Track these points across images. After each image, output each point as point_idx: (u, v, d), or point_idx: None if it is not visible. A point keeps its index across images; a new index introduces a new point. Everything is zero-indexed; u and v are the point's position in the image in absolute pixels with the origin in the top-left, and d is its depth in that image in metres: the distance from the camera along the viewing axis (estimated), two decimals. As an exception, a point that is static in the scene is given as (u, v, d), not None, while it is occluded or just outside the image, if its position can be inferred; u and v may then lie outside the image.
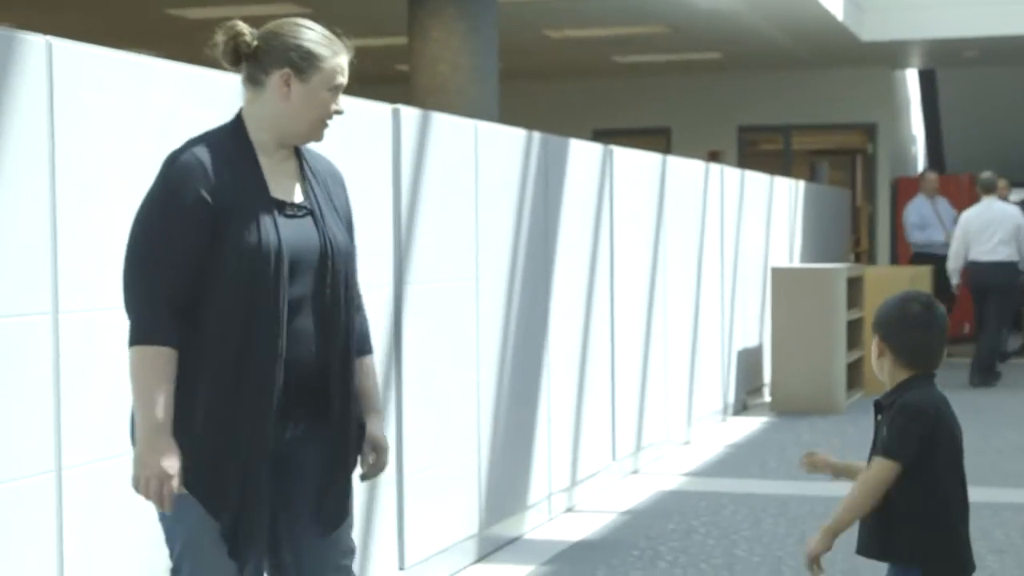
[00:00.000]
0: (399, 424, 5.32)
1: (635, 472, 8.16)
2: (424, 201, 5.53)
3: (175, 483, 3.00)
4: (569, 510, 7.08)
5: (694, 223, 9.56)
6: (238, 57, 3.19)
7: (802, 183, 13.37)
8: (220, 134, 3.18)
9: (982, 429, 9.64)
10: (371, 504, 5.11)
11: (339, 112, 3.23)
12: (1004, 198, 13.52)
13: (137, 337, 3.02)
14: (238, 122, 3.21)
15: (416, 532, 5.44)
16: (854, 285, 11.54)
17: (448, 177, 5.74)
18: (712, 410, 9.96)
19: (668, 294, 8.87)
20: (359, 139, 5.05)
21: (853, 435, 9.36)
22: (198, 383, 3.05)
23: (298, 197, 3.23)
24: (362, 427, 3.31)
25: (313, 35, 3.19)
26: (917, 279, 12.22)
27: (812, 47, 15.36)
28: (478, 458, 6.01)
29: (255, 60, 3.18)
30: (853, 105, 17.32)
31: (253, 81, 3.20)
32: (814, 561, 3.37)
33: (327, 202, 3.27)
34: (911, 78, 19.39)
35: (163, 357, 3.01)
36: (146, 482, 3.00)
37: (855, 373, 11.56)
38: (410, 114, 5.43)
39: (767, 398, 11.51)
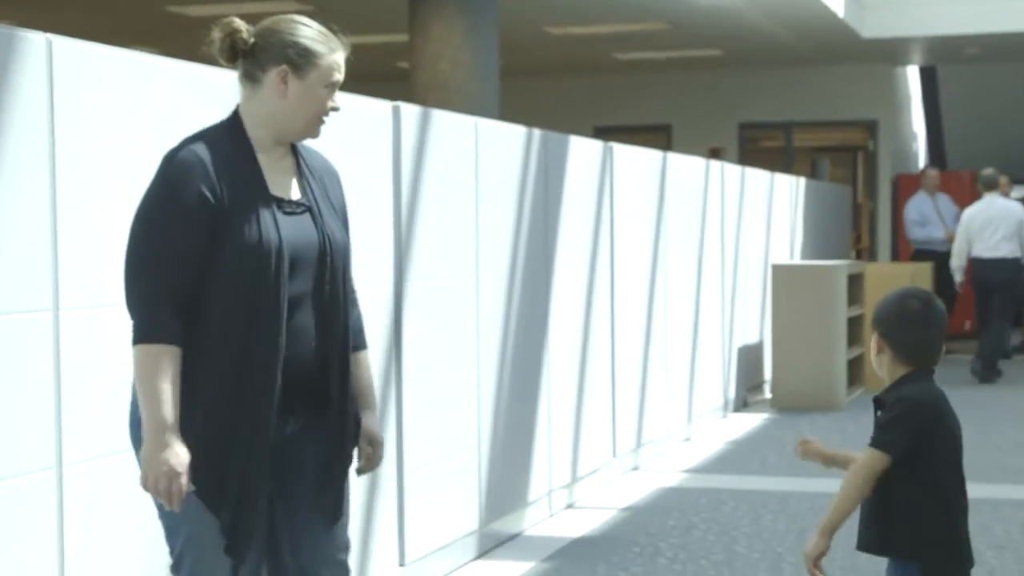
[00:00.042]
0: (399, 421, 5.33)
1: (635, 469, 8.16)
2: (424, 198, 5.54)
3: (184, 481, 3.01)
4: (569, 506, 7.09)
5: (694, 220, 9.56)
6: (235, 54, 3.19)
7: (803, 180, 13.38)
8: (218, 131, 3.18)
9: (982, 425, 9.64)
10: (371, 500, 5.12)
11: (335, 109, 3.24)
12: (1006, 195, 13.53)
13: (140, 336, 3.02)
14: (235, 119, 3.21)
15: (416, 528, 5.45)
16: (855, 282, 11.54)
17: (448, 174, 5.75)
18: (712, 407, 9.97)
19: (668, 291, 8.88)
20: (359, 136, 5.06)
21: (854, 432, 9.37)
22: (199, 382, 3.06)
23: (296, 194, 3.24)
24: (358, 422, 3.32)
25: (310, 32, 3.19)
26: (918, 276, 12.23)
27: (813, 44, 15.35)
28: (478, 455, 6.02)
29: (252, 57, 3.18)
30: (854, 102, 17.31)
31: (250, 78, 3.20)
32: (814, 563, 3.38)
33: (324, 198, 3.28)
34: (912, 75, 19.38)
35: (167, 355, 3.01)
36: (155, 481, 3.00)
37: (856, 370, 11.56)
38: (410, 111, 5.43)
39: (768, 395, 11.51)
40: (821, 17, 13.53)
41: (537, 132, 6.71)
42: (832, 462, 3.61)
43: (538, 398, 6.67)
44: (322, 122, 3.24)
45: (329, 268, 3.22)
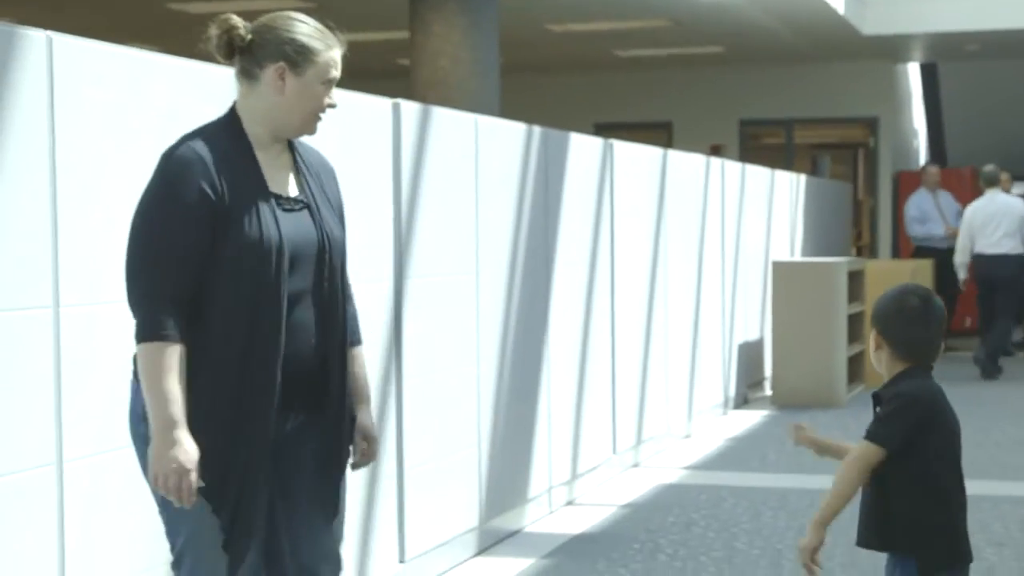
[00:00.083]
0: (399, 418, 5.34)
1: (635, 465, 8.17)
2: (424, 195, 5.54)
3: (194, 477, 3.01)
4: (569, 503, 7.10)
5: (695, 217, 9.57)
6: (232, 51, 3.20)
7: (803, 177, 13.38)
8: (216, 129, 3.19)
9: (982, 422, 9.65)
10: (372, 497, 5.13)
11: (332, 105, 3.24)
12: (1007, 192, 13.54)
13: (144, 335, 3.02)
14: (233, 116, 3.22)
15: (416, 525, 5.45)
16: (855, 279, 11.55)
17: (448, 171, 5.76)
18: (713, 404, 9.98)
19: (669, 288, 8.89)
20: (359, 134, 5.06)
21: (854, 429, 9.37)
22: (200, 380, 3.06)
23: (293, 191, 3.24)
24: (353, 418, 3.33)
25: (307, 28, 3.20)
26: (918, 273, 12.23)
27: (814, 41, 15.36)
28: (478, 452, 6.03)
29: (249, 54, 3.19)
30: (855, 99, 17.32)
31: (247, 75, 3.21)
32: (809, 556, 3.38)
33: (321, 195, 3.29)
34: (913, 72, 19.38)
35: (172, 353, 3.01)
36: (165, 478, 3.00)
37: (856, 367, 11.57)
38: (410, 108, 5.44)
39: (768, 392, 11.52)
40: (822, 14, 13.54)
41: (537, 129, 6.71)
42: (825, 451, 3.61)
43: (538, 395, 6.67)
44: (319, 119, 3.24)
45: (328, 265, 3.23)
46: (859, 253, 17.57)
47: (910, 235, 14.51)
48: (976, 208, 12.72)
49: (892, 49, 16.26)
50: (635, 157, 8.19)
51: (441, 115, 5.69)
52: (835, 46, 15.77)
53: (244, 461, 3.09)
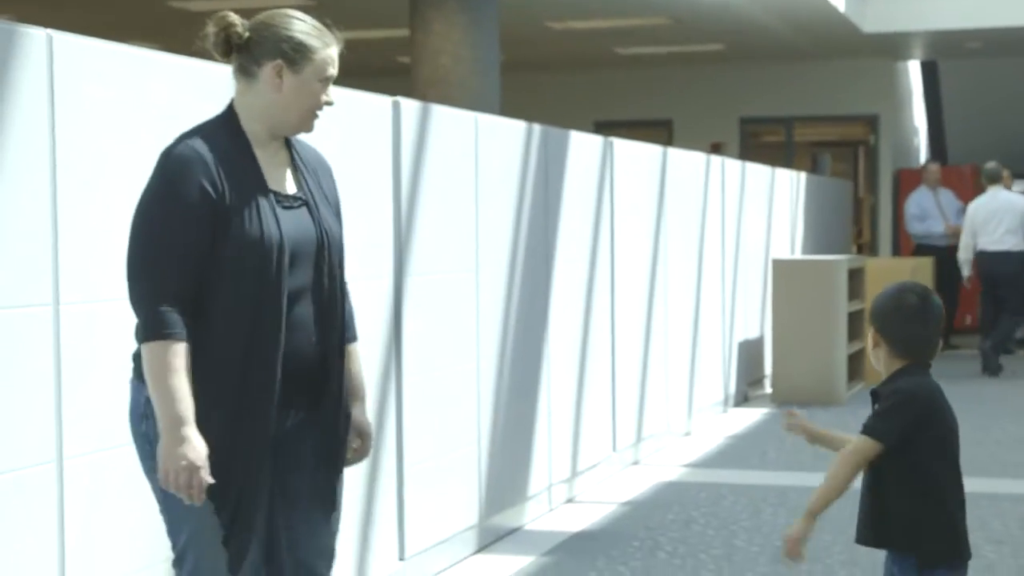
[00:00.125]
0: (399, 415, 5.35)
1: (635, 463, 8.18)
2: (424, 193, 5.55)
3: (204, 474, 3.01)
4: (569, 501, 7.11)
5: (695, 215, 9.58)
6: (229, 48, 3.20)
7: (803, 175, 13.38)
8: (214, 127, 3.19)
9: (982, 420, 9.66)
10: (371, 495, 5.14)
11: (329, 103, 3.24)
12: (1008, 189, 13.55)
13: (148, 334, 3.02)
14: (230, 113, 3.22)
15: (416, 523, 5.46)
16: (855, 277, 11.55)
17: (448, 169, 5.76)
18: (713, 401, 9.98)
19: (669, 286, 8.89)
20: (359, 132, 5.07)
21: (854, 426, 9.36)
22: (201, 380, 3.06)
23: (291, 188, 3.25)
24: (349, 414, 3.34)
25: (304, 26, 3.20)
26: (918, 270, 12.24)
27: (814, 39, 15.36)
28: (478, 449, 6.04)
29: (247, 51, 3.19)
30: (855, 97, 17.32)
31: (245, 72, 3.21)
32: (795, 545, 3.38)
33: (319, 192, 3.29)
34: (913, 69, 19.38)
35: (176, 351, 3.00)
36: (176, 475, 3.00)
37: (856, 364, 11.58)
38: (410, 106, 5.44)
39: (768, 389, 11.53)
40: (822, 12, 13.54)
41: (537, 127, 6.72)
42: (817, 440, 3.62)
43: (538, 393, 6.68)
44: (316, 116, 3.24)
45: (327, 262, 3.23)
46: (859, 251, 17.58)
47: (910, 233, 14.52)
48: (978, 205, 12.74)
49: (892, 47, 16.26)
50: (635, 155, 8.19)
51: (441, 113, 5.70)
52: (835, 44, 15.77)
53: (245, 460, 3.09)
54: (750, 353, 11.14)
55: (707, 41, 15.58)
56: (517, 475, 6.44)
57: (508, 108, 16.39)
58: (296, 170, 3.28)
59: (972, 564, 3.50)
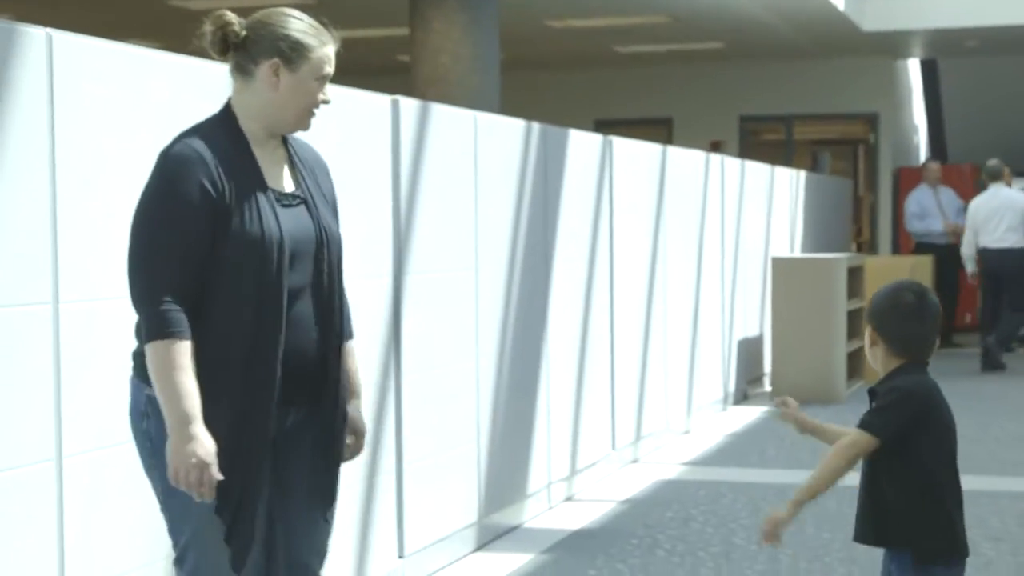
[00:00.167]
0: (398, 413, 5.35)
1: (635, 461, 8.19)
2: (423, 192, 5.56)
3: (214, 470, 3.01)
4: (568, 499, 7.12)
5: (694, 213, 9.58)
6: (226, 47, 3.21)
7: (803, 173, 13.39)
8: (212, 126, 3.19)
9: (982, 418, 9.67)
10: (370, 493, 5.15)
11: (326, 102, 3.25)
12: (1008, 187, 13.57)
13: (152, 333, 3.02)
14: (228, 112, 3.23)
15: (416, 520, 5.47)
16: (854, 275, 11.56)
17: (447, 168, 5.77)
18: (712, 399, 9.99)
19: (668, 284, 8.90)
20: (358, 130, 5.08)
21: (853, 424, 9.38)
22: (202, 379, 3.05)
23: (289, 186, 3.25)
24: (345, 411, 3.35)
25: (301, 25, 3.21)
26: (917, 269, 12.25)
27: (814, 37, 15.36)
28: (477, 447, 6.04)
29: (244, 50, 3.20)
30: (855, 95, 17.33)
31: (241, 71, 3.22)
32: (774, 527, 3.38)
33: (317, 190, 3.30)
34: (913, 68, 19.39)
35: (180, 349, 3.01)
36: (186, 473, 3.00)
37: (855, 362, 11.59)
38: (409, 105, 5.45)
39: (767, 387, 11.53)
40: (822, 10, 13.54)
41: (536, 126, 6.73)
42: (809, 430, 3.62)
43: (537, 391, 6.69)
44: (313, 115, 3.25)
45: (326, 260, 3.24)
46: (859, 249, 17.58)
47: (909, 231, 14.53)
48: (979, 203, 12.75)
49: (892, 45, 16.26)
50: (634, 153, 8.20)
51: (440, 112, 5.70)
52: (835, 42, 15.78)
53: (246, 457, 3.10)
54: (749, 351, 11.15)
55: (707, 39, 15.59)
56: (516, 473, 6.45)
57: (508, 107, 16.39)
58: (294, 168, 3.29)
59: (971, 561, 3.50)
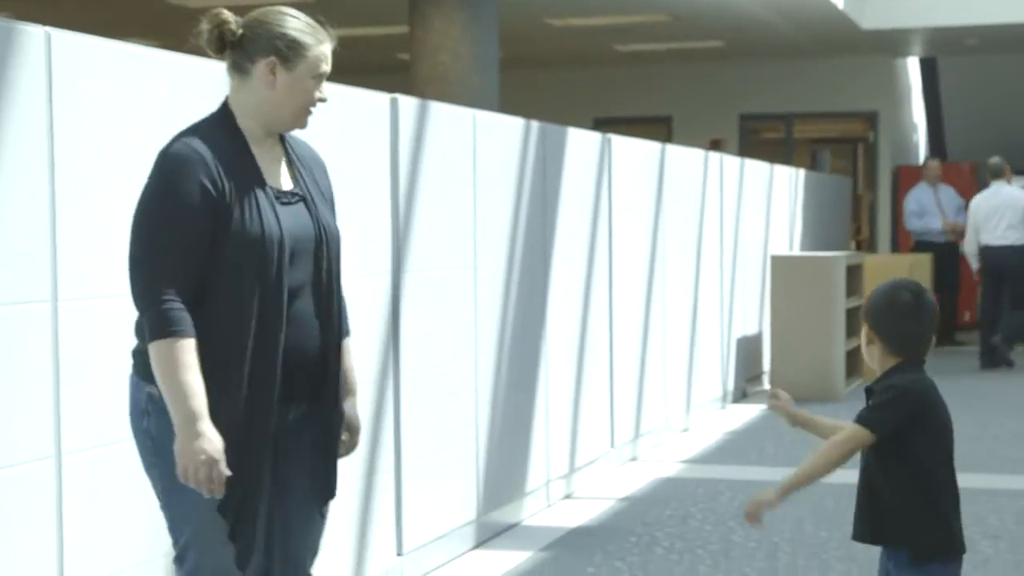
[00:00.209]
0: (397, 411, 5.36)
1: (633, 459, 8.20)
2: (422, 190, 5.56)
3: (222, 467, 3.02)
4: (567, 497, 7.12)
5: (693, 211, 9.59)
6: (223, 45, 3.21)
7: (802, 171, 13.40)
8: (210, 125, 3.20)
9: (981, 416, 9.67)
10: (369, 491, 5.15)
11: (323, 100, 3.26)
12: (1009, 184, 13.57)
13: (155, 332, 3.02)
14: (225, 111, 3.23)
15: (414, 518, 5.48)
16: (853, 273, 11.57)
17: (446, 166, 5.78)
18: (711, 398, 10.00)
19: (667, 282, 8.91)
20: (357, 128, 5.08)
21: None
22: (203, 377, 3.06)
23: (288, 184, 3.26)
24: (342, 408, 3.36)
25: (298, 23, 3.22)
26: (916, 267, 12.25)
27: (813, 35, 15.37)
28: (476, 445, 6.05)
29: (240, 48, 3.21)
30: (855, 93, 17.33)
31: (239, 69, 3.22)
32: (757, 508, 3.39)
33: (315, 187, 3.31)
34: (912, 66, 19.39)
35: (185, 347, 3.01)
36: (195, 470, 3.00)
37: (854, 361, 11.59)
38: (408, 103, 5.46)
39: (766, 386, 11.54)
40: (821, 8, 13.55)
41: (535, 124, 6.73)
42: (800, 423, 3.63)
43: (536, 389, 6.70)
44: (310, 113, 3.26)
45: (325, 257, 3.25)
46: (858, 247, 17.59)
47: (908, 229, 14.53)
48: (981, 200, 12.77)
49: (891, 43, 16.27)
50: (633, 152, 8.21)
51: (439, 110, 5.71)
52: (834, 41, 15.78)
53: (248, 454, 3.11)
54: (748, 349, 11.15)
55: (706, 38, 15.59)
56: (515, 471, 6.46)
57: (507, 105, 16.40)
58: (292, 166, 3.30)
59: (969, 559, 3.52)
